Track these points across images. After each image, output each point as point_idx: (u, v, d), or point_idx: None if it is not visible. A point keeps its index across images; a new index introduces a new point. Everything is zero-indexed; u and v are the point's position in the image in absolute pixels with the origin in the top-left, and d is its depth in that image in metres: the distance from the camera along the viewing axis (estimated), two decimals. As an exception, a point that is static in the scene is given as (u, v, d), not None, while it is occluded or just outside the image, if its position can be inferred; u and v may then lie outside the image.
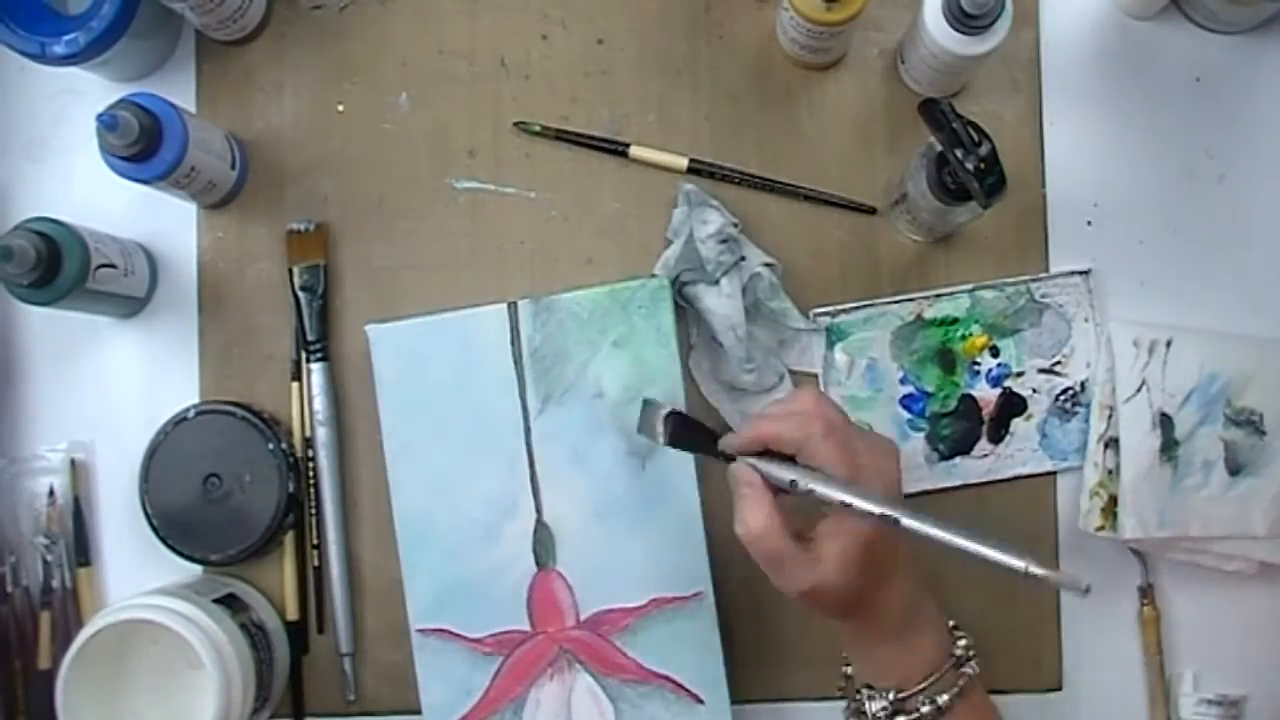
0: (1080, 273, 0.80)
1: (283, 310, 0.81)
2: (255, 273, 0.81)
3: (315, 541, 0.80)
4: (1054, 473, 0.80)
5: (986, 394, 0.80)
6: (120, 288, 0.77)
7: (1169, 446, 0.77)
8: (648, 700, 0.75)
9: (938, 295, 0.80)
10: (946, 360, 0.80)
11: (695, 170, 0.80)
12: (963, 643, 0.67)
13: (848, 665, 0.69)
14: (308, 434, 0.80)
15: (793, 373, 0.80)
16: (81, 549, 0.80)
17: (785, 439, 0.63)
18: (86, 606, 0.79)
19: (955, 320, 0.80)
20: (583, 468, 0.76)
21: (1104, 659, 0.80)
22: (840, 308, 0.80)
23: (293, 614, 0.79)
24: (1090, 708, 0.80)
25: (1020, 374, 0.80)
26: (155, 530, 0.77)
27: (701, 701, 0.75)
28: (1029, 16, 0.81)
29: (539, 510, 0.76)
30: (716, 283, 0.76)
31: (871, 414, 0.80)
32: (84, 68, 0.77)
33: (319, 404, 0.79)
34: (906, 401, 0.80)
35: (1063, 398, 0.80)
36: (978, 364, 0.80)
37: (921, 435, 0.80)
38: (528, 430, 0.76)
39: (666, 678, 0.75)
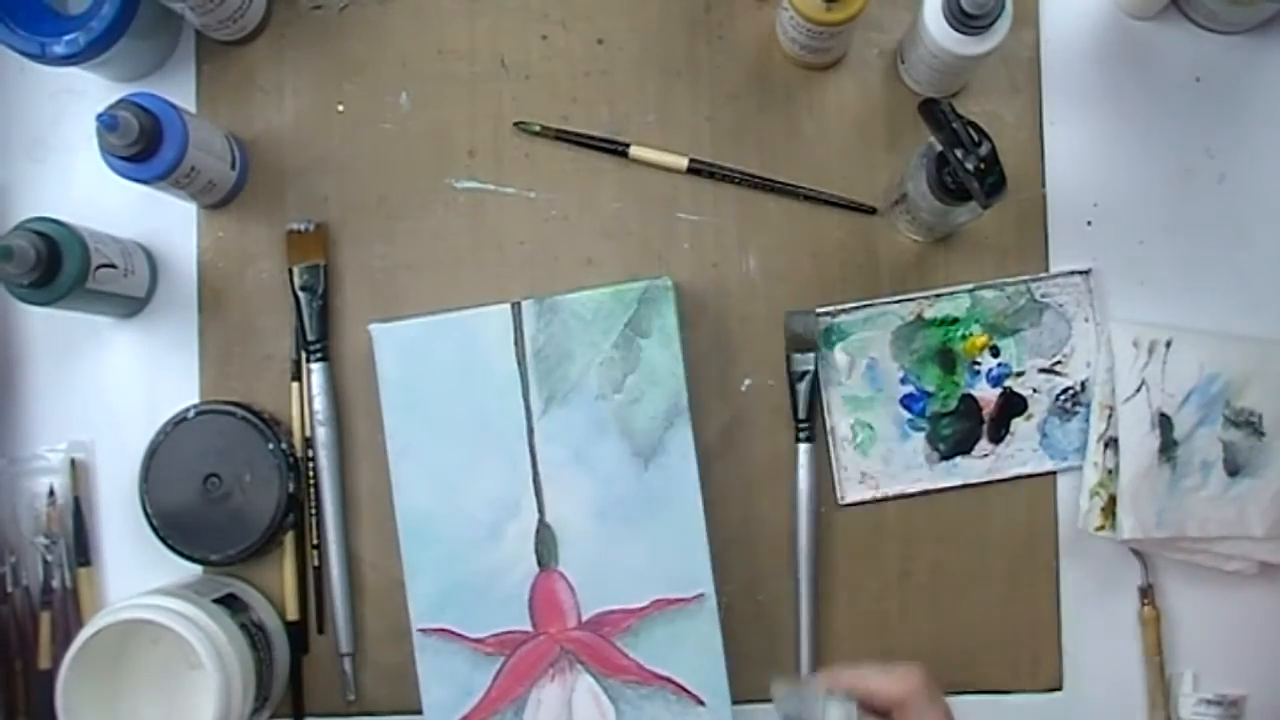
0: (1080, 273, 0.80)
1: (283, 310, 0.81)
2: (255, 273, 0.81)
3: (315, 541, 0.80)
4: (1054, 473, 0.80)
5: (987, 394, 0.80)
6: (120, 288, 0.77)
7: (1168, 447, 0.77)
8: (649, 701, 0.75)
9: (938, 295, 0.80)
10: (947, 360, 0.80)
11: (695, 170, 0.80)
12: None
13: None
14: (308, 434, 0.80)
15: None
16: (81, 549, 0.80)
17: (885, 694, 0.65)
18: (86, 606, 0.79)
19: (955, 320, 0.80)
20: (585, 468, 0.76)
21: (1104, 659, 0.80)
22: (840, 308, 0.80)
23: (293, 614, 0.79)
24: (1090, 708, 0.80)
25: (1020, 374, 0.80)
26: (155, 530, 0.77)
27: (703, 703, 0.75)
28: (1029, 16, 0.81)
29: (541, 510, 0.76)
30: None
31: (871, 414, 0.80)
32: (84, 68, 0.77)
33: (319, 404, 0.79)
34: (907, 401, 0.80)
35: (1063, 397, 0.80)
36: (978, 364, 0.80)
37: (922, 435, 0.80)
38: (530, 430, 0.76)
39: (668, 679, 0.75)
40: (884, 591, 0.80)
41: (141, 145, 0.71)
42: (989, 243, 0.81)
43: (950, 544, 0.80)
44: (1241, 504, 0.77)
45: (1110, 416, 0.79)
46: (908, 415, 0.80)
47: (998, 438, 0.80)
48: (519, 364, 0.76)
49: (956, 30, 0.72)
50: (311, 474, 0.80)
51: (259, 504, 0.77)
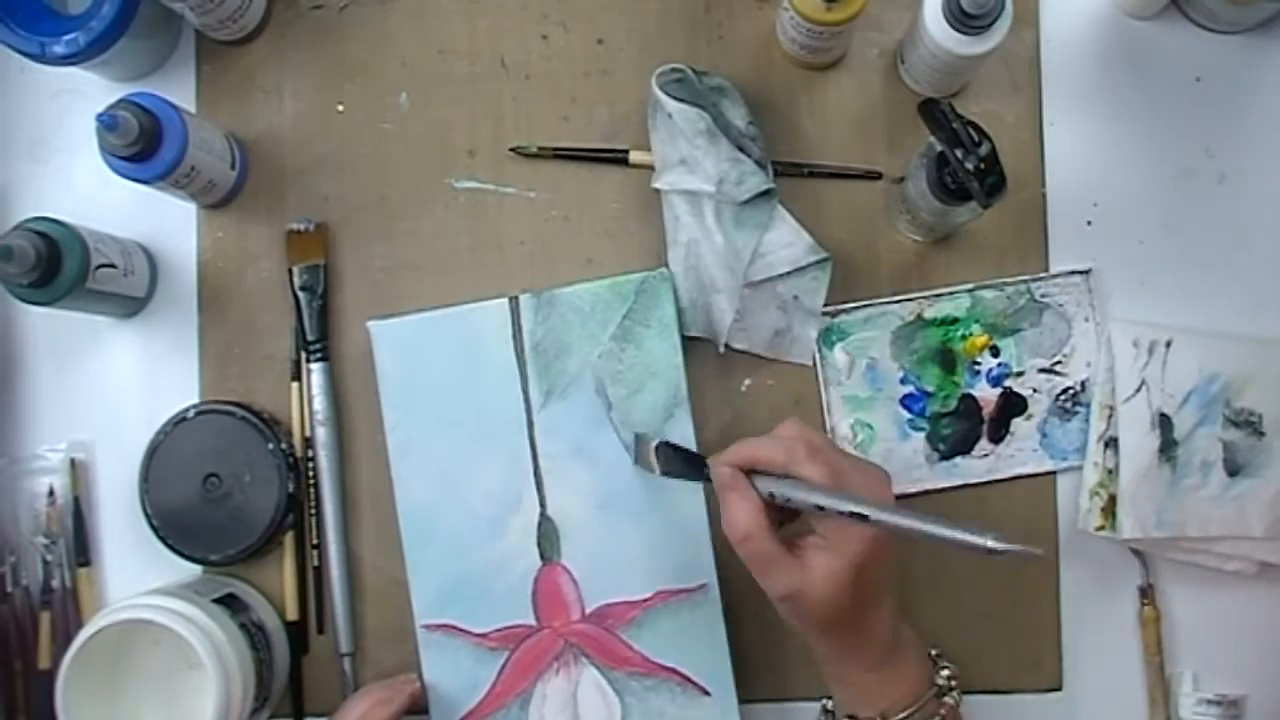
0: (1080, 272, 0.80)
1: (283, 310, 0.81)
2: (255, 273, 0.81)
3: (315, 541, 0.80)
4: (1054, 472, 0.80)
5: (987, 394, 0.80)
6: (120, 287, 0.77)
7: (1168, 447, 0.77)
8: (654, 693, 0.75)
9: (938, 295, 0.80)
10: (947, 360, 0.80)
11: (695, 170, 0.80)
12: (945, 673, 0.67)
13: (828, 699, 0.70)
14: (308, 434, 0.80)
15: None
16: (81, 549, 0.80)
17: (771, 460, 0.65)
18: (86, 606, 0.79)
19: (955, 320, 0.80)
20: (586, 461, 0.76)
21: (1104, 659, 0.80)
22: (840, 308, 0.80)
23: (293, 614, 0.79)
24: (1090, 708, 0.80)
25: (1020, 374, 0.80)
26: (155, 530, 0.77)
27: (708, 693, 0.75)
28: (1029, 16, 0.81)
29: (543, 504, 0.76)
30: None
31: (871, 414, 0.80)
32: (84, 68, 0.77)
33: (319, 404, 0.79)
34: (907, 401, 0.80)
35: (1063, 397, 0.80)
36: (978, 364, 0.80)
37: (922, 435, 0.80)
38: (530, 424, 0.76)
39: (673, 670, 0.75)
40: (884, 591, 0.80)
41: (141, 145, 0.71)
42: (989, 243, 0.81)
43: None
44: (1241, 504, 0.77)
45: (1110, 416, 0.79)
46: (908, 415, 0.80)
47: (998, 438, 0.80)
48: (517, 358, 0.76)
49: (956, 30, 0.72)
50: (311, 474, 0.80)
51: (259, 504, 0.77)
